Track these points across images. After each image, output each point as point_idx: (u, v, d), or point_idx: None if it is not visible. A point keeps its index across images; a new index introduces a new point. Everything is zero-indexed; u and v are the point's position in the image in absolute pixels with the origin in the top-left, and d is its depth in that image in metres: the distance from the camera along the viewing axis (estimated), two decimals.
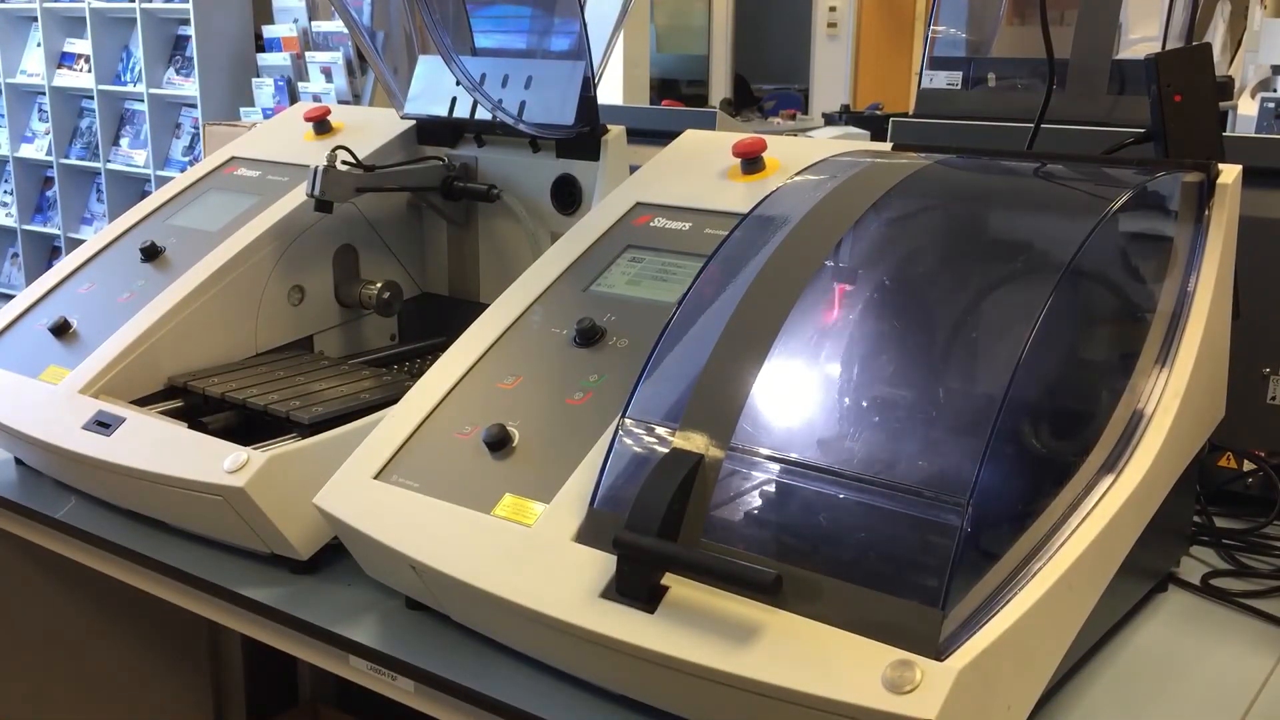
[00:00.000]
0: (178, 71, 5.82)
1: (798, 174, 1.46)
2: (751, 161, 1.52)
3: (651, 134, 2.04)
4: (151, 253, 1.75)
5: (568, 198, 1.77)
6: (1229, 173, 1.31)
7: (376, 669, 1.27)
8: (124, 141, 6.10)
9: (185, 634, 2.11)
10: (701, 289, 1.26)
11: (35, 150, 6.48)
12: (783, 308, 1.18)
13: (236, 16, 5.71)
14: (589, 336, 1.35)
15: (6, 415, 1.58)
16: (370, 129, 1.91)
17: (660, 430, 1.15)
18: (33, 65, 6.39)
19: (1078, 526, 1.06)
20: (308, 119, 1.95)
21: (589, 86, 1.68)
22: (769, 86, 9.05)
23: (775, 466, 1.12)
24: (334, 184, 1.69)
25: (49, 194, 6.56)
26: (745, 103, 8.18)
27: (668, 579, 1.06)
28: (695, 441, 1.10)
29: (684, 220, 1.50)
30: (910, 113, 2.86)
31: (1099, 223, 1.17)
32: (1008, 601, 0.98)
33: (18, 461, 1.71)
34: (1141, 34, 2.62)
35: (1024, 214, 1.36)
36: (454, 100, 1.86)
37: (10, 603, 1.89)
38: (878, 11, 8.99)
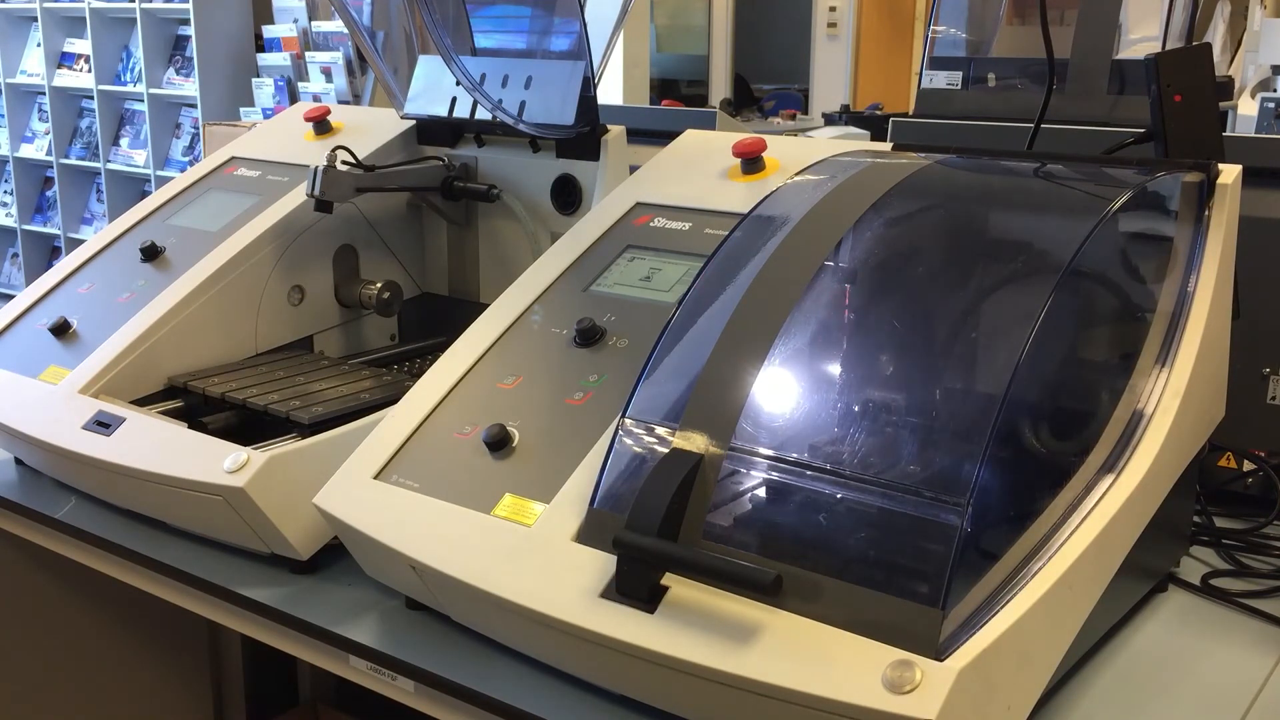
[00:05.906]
0: (178, 71, 5.82)
1: (798, 174, 1.46)
2: (751, 161, 1.52)
3: (651, 134, 2.04)
4: (151, 253, 1.75)
5: (568, 198, 1.77)
6: (1229, 173, 1.31)
7: (376, 669, 1.26)
8: (124, 141, 6.10)
9: (185, 634, 2.11)
10: (701, 289, 1.26)
11: (35, 150, 6.48)
12: (783, 308, 1.18)
13: (236, 16, 5.72)
14: (589, 336, 1.35)
15: (6, 415, 1.58)
16: (370, 129, 1.91)
17: (660, 430, 1.15)
18: (33, 65, 6.40)
19: (1078, 526, 1.06)
20: (308, 119, 1.95)
21: (589, 86, 1.68)
22: (769, 86, 9.07)
23: (775, 467, 1.12)
24: (334, 184, 1.69)
25: (49, 194, 6.56)
26: (745, 103, 8.20)
27: (668, 579, 1.06)
28: (695, 441, 1.10)
29: (684, 220, 1.50)
30: (910, 113, 2.86)
31: (1099, 223, 1.17)
32: (1008, 601, 0.98)
33: (18, 461, 1.71)
34: (1141, 34, 2.62)
35: (1024, 214, 1.36)
36: (454, 100, 1.86)
37: (10, 603, 1.89)
38: (878, 11, 8.99)
